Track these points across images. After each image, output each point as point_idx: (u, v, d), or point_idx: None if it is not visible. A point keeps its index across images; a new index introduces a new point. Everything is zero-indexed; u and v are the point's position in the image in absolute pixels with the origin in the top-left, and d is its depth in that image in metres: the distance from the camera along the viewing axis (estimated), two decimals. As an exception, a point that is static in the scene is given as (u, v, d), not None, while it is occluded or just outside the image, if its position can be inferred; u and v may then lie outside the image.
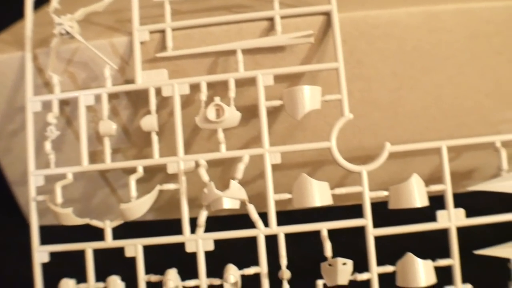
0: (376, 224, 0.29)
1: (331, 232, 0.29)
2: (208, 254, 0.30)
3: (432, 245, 0.30)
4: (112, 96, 0.32)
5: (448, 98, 0.32)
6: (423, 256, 0.29)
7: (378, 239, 0.29)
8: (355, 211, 0.30)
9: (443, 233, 0.30)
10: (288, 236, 0.29)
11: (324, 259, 0.28)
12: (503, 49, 0.31)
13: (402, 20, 0.30)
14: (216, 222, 0.32)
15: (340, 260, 0.27)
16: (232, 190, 0.28)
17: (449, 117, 0.33)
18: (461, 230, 0.30)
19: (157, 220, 0.38)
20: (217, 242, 0.30)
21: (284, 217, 0.31)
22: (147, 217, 0.36)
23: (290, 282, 0.29)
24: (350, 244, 0.30)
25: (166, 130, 0.32)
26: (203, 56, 0.31)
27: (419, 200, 0.28)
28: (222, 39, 0.30)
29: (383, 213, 0.30)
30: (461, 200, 0.32)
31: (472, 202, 0.32)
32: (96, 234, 0.31)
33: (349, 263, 0.28)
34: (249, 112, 0.31)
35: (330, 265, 0.28)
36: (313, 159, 0.34)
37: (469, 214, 0.30)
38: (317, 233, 0.29)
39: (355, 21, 0.30)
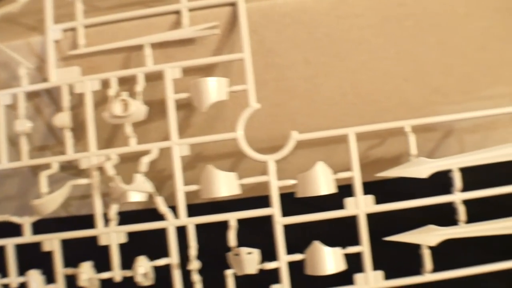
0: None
1: (255, 221, 0.30)
2: (131, 246, 0.31)
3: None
4: (34, 95, 0.32)
5: (365, 84, 0.32)
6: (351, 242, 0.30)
7: (312, 227, 0.30)
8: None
9: (373, 218, 0.30)
10: (208, 227, 0.30)
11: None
12: (417, 31, 0.31)
13: (310, 7, 0.30)
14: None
15: (245, 249, 0.28)
16: (137, 183, 0.28)
17: (369, 103, 0.33)
18: (384, 216, 0.30)
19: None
20: (143, 234, 0.30)
21: (213, 207, 0.32)
22: (82, 211, 0.37)
23: (205, 272, 0.30)
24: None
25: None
26: (116, 51, 0.31)
27: (326, 187, 0.28)
28: (133, 34, 0.30)
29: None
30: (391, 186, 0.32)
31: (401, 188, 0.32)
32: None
33: (255, 252, 0.28)
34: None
35: (236, 254, 0.28)
36: (238, 149, 0.34)
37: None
38: (242, 223, 0.30)
39: (262, 10, 0.30)
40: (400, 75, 0.32)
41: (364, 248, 0.29)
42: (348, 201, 0.29)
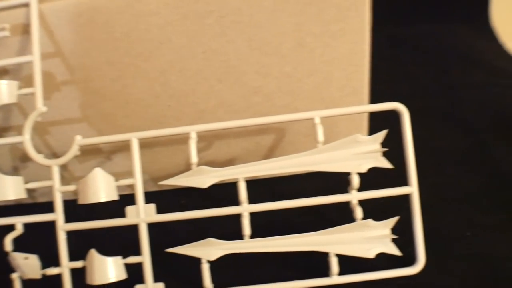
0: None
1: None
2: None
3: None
4: None
5: (177, 85, 0.30)
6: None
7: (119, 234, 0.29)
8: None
9: (183, 226, 0.29)
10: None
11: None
12: (221, 29, 0.29)
13: (103, 6, 0.28)
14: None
15: (21, 254, 0.28)
16: None
17: (186, 104, 0.31)
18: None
19: None
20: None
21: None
22: None
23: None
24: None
25: None
26: None
27: (105, 194, 0.27)
28: None
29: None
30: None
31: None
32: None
33: (32, 257, 0.28)
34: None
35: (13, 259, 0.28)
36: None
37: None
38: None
39: (57, 10, 0.29)
40: (212, 75, 0.30)
41: (144, 258, 0.28)
42: (129, 209, 0.28)
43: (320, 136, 0.27)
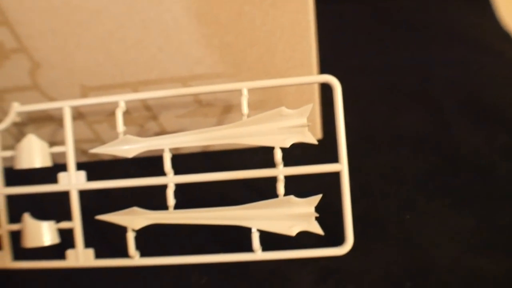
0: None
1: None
2: None
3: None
4: None
5: (119, 54, 0.30)
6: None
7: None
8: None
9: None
10: None
11: None
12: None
13: (42, -27, 0.29)
14: None
15: (-40, 216, 0.29)
16: None
17: (129, 74, 0.31)
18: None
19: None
20: None
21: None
22: None
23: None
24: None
25: None
26: None
27: (40, 160, 0.28)
28: None
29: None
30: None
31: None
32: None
33: (-28, 219, 0.29)
34: None
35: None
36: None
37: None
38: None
39: (-1, -21, 0.29)
40: (153, 44, 0.30)
41: (75, 224, 0.28)
42: (61, 175, 0.28)
43: (245, 109, 0.26)
